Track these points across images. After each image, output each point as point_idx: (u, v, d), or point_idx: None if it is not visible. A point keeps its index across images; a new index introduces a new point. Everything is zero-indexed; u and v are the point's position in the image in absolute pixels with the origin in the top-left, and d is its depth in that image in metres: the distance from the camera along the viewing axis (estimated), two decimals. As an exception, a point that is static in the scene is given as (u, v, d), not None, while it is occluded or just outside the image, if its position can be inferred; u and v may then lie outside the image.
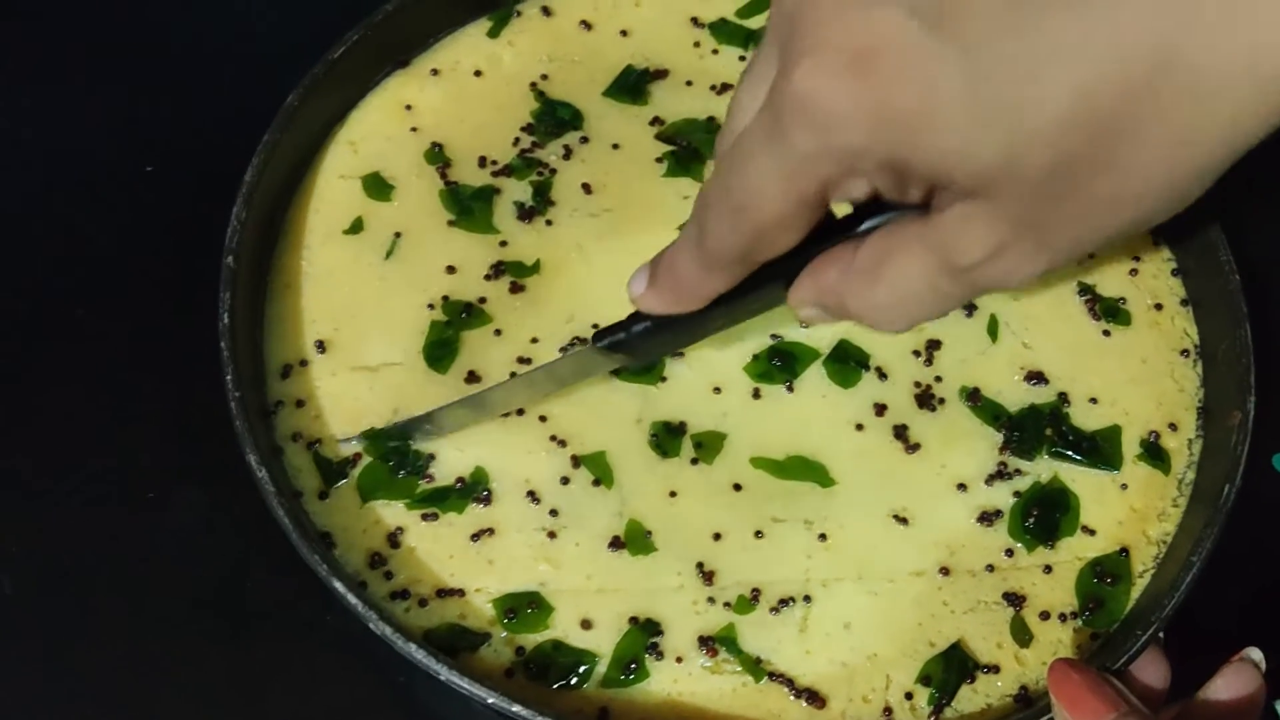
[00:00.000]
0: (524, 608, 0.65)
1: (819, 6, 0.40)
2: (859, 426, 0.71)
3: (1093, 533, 0.69)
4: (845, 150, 0.41)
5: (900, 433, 0.70)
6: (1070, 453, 0.70)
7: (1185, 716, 0.59)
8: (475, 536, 0.66)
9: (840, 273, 0.47)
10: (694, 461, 0.69)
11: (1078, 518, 0.69)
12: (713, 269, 0.48)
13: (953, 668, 0.65)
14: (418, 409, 0.69)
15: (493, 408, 0.69)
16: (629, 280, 0.54)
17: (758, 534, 0.67)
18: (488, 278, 0.74)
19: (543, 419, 0.70)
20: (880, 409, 0.71)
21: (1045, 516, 0.69)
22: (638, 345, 0.57)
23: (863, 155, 0.41)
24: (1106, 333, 0.74)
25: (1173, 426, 0.72)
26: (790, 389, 0.71)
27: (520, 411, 0.70)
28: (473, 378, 0.70)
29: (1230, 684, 0.60)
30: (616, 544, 0.66)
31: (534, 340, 0.72)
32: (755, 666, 0.64)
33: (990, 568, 0.67)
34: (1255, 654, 0.61)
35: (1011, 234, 0.42)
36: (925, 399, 0.71)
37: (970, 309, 0.74)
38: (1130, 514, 0.70)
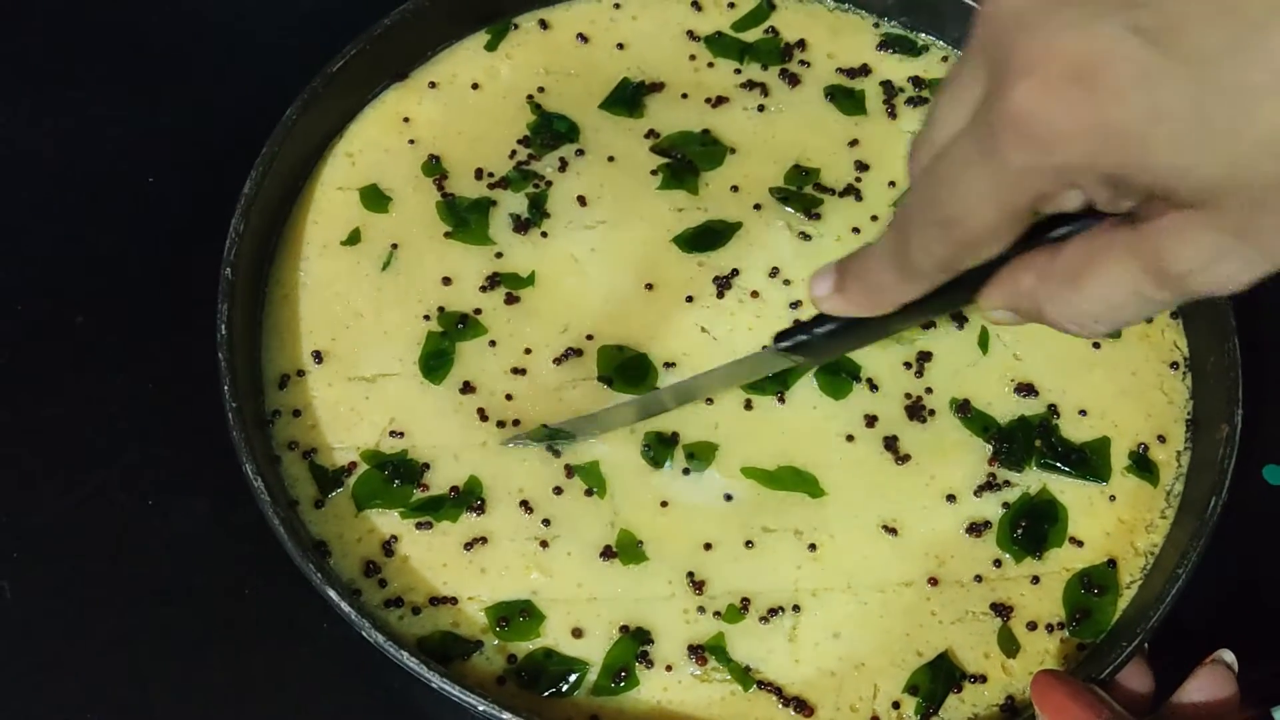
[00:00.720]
0: (516, 616, 0.65)
1: (1037, 25, 0.40)
2: (849, 438, 0.71)
3: (1081, 544, 0.69)
4: (1065, 166, 0.41)
5: (890, 444, 0.71)
6: (1059, 464, 0.71)
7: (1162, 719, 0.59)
8: (468, 545, 0.67)
9: (1038, 278, 0.48)
10: (685, 472, 0.70)
11: (1066, 529, 0.70)
12: (912, 278, 0.49)
13: (940, 677, 0.65)
14: (413, 419, 0.70)
15: (663, 406, 0.70)
16: (811, 280, 0.54)
17: (748, 544, 0.68)
18: (483, 289, 0.74)
19: (537, 426, 0.70)
20: (871, 420, 0.72)
21: (1034, 528, 0.69)
22: (819, 347, 0.58)
23: (1083, 171, 0.41)
24: (1097, 345, 0.75)
25: (1161, 439, 0.73)
26: (781, 400, 0.72)
27: (515, 421, 0.70)
28: (468, 388, 0.71)
29: (1204, 686, 0.60)
30: (608, 553, 0.67)
31: (528, 351, 0.73)
32: (744, 675, 0.65)
33: (978, 578, 0.68)
34: (1228, 655, 0.61)
35: (1231, 242, 0.42)
36: (916, 410, 0.72)
37: (961, 321, 0.75)
38: (1118, 525, 0.70)
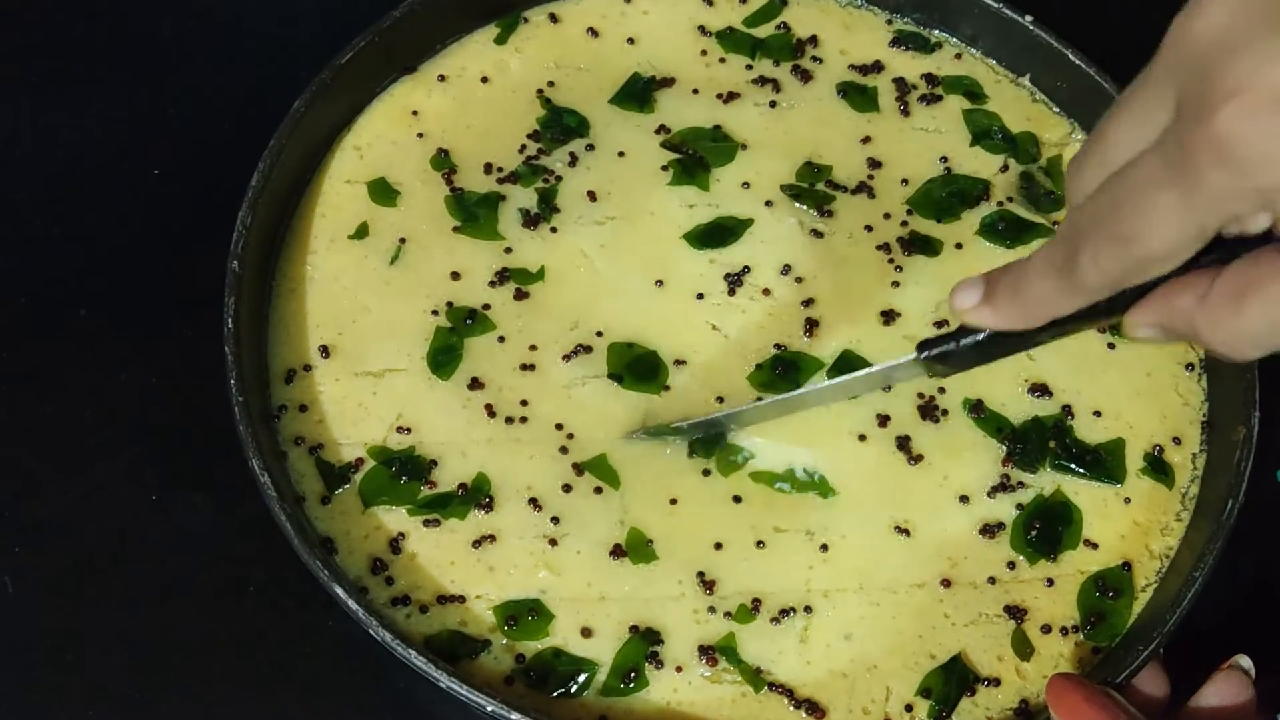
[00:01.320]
0: (524, 615, 0.65)
1: (1243, 49, 0.41)
2: (862, 437, 0.70)
3: (1095, 546, 0.69)
4: (1264, 189, 0.42)
5: (903, 444, 0.70)
6: (1073, 465, 0.70)
7: None
8: (477, 543, 0.66)
9: (1196, 299, 0.48)
10: (705, 473, 0.69)
11: (1080, 531, 0.69)
12: (1074, 291, 0.49)
13: (953, 680, 0.64)
14: (421, 415, 0.69)
15: (800, 407, 0.70)
16: (954, 293, 0.53)
17: (759, 544, 0.67)
18: (492, 284, 0.74)
19: (548, 424, 0.70)
20: (883, 420, 0.71)
21: (1047, 529, 0.68)
22: (961, 358, 0.57)
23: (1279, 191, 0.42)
24: (1111, 345, 0.74)
25: (1177, 440, 0.72)
26: (793, 399, 0.71)
27: (523, 418, 0.70)
28: (476, 384, 0.70)
29: (1220, 691, 0.60)
30: (618, 552, 0.66)
31: (533, 348, 0.72)
32: (755, 676, 0.64)
33: (992, 580, 0.67)
34: (1245, 661, 0.61)
35: None
36: (929, 411, 0.71)
37: (975, 320, 0.74)
38: (1133, 528, 0.69)
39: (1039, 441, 0.71)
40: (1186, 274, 0.48)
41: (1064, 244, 0.49)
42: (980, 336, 0.55)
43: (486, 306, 0.73)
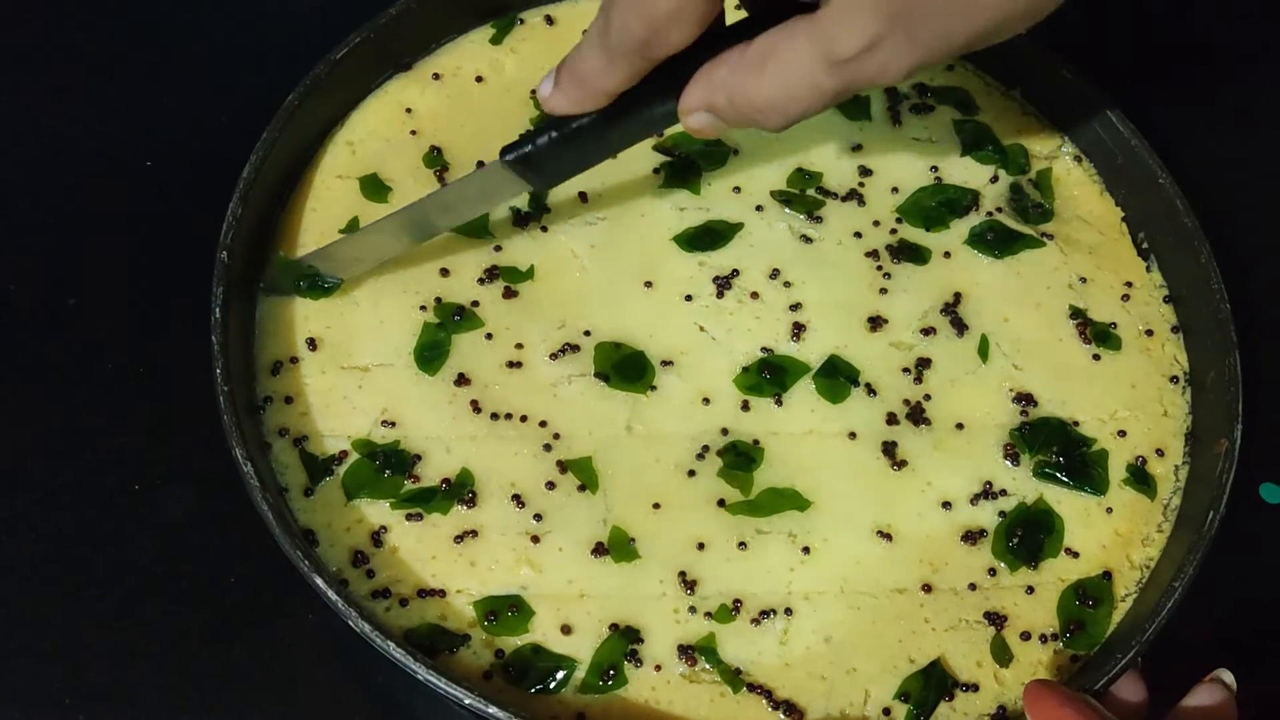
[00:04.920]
0: (505, 610, 0.65)
1: None
2: (846, 441, 0.71)
3: (1076, 555, 0.69)
4: None
5: (888, 449, 0.70)
6: (1057, 474, 0.70)
7: None
8: (459, 538, 0.66)
9: (729, 69, 0.54)
10: (690, 474, 0.69)
11: (1062, 540, 0.69)
12: (615, 61, 0.54)
13: (932, 685, 0.64)
14: (406, 410, 0.69)
15: (404, 231, 0.71)
16: (537, 86, 0.60)
17: (741, 545, 0.67)
18: (481, 281, 0.74)
19: (533, 422, 0.70)
20: (868, 425, 0.71)
21: (1029, 537, 0.69)
22: (545, 159, 0.61)
23: None
24: (1097, 357, 0.75)
25: (1160, 452, 0.72)
26: (779, 402, 0.71)
27: (509, 415, 0.70)
28: (462, 380, 0.70)
29: (1202, 703, 0.60)
30: (600, 550, 0.66)
31: (520, 346, 0.72)
32: (734, 677, 0.64)
33: (973, 586, 0.67)
34: (1226, 676, 0.61)
35: (886, 28, 0.49)
36: (914, 416, 0.72)
37: (961, 329, 0.74)
38: (1114, 538, 0.70)
39: (1046, 433, 0.71)
40: (724, 50, 0.54)
41: (602, 14, 0.54)
42: (555, 134, 0.59)
43: (475, 303, 0.73)
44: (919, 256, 0.77)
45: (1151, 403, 0.74)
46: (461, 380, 0.71)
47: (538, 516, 0.67)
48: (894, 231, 0.78)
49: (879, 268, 0.76)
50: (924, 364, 0.73)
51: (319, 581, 0.61)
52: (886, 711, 0.64)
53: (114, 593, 0.69)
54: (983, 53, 0.83)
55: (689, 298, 0.74)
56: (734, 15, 0.56)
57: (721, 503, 0.68)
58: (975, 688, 0.65)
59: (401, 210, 0.70)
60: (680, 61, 0.55)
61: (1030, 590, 0.68)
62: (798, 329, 0.74)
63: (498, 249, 0.75)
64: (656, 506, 0.68)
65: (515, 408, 0.70)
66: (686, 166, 0.79)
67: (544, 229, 0.76)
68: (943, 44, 0.51)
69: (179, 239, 0.76)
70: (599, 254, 0.75)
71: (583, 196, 0.77)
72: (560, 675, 0.63)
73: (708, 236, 0.76)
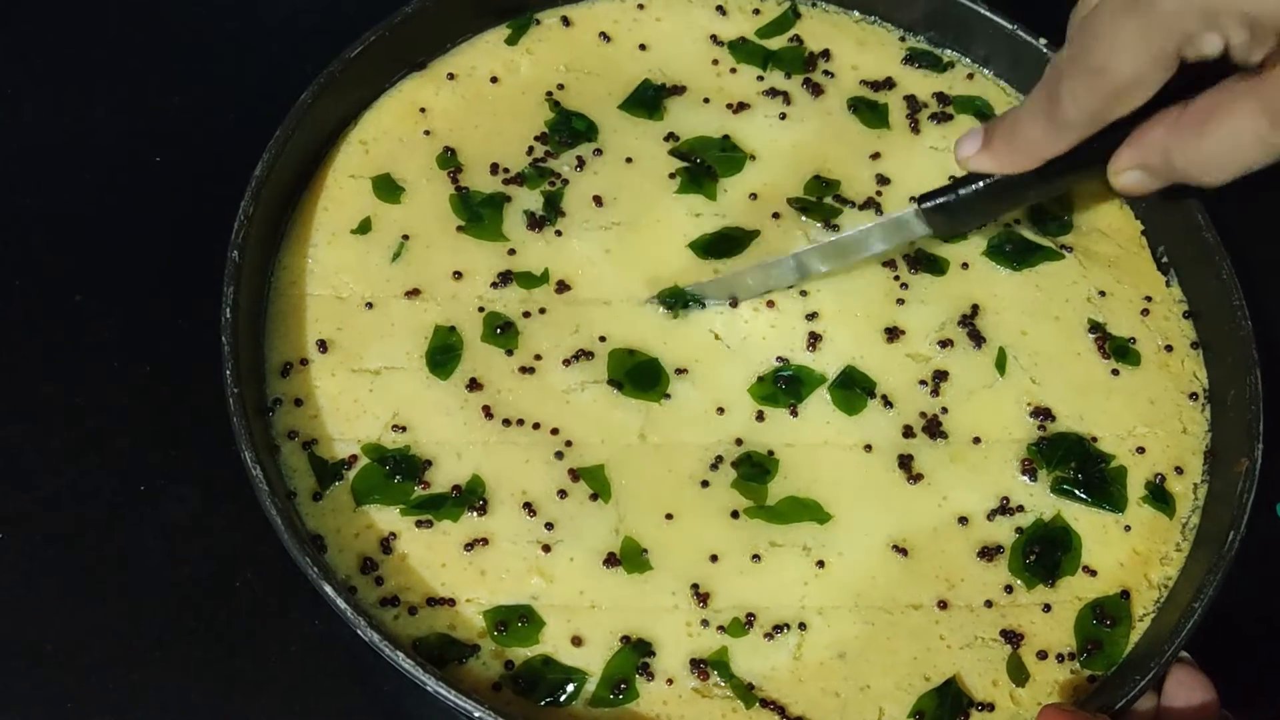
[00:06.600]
0: (515, 621, 0.64)
1: None
2: (862, 454, 0.70)
3: (1094, 573, 0.68)
4: (1206, 9, 0.49)
5: (904, 463, 0.70)
6: (1075, 491, 0.70)
7: None
8: (469, 546, 0.65)
9: (1166, 129, 0.55)
10: (704, 484, 0.68)
11: (1079, 557, 0.68)
12: (1060, 131, 0.56)
13: (947, 704, 0.64)
14: (417, 415, 0.68)
15: (800, 270, 0.72)
16: (957, 145, 0.61)
17: (755, 557, 0.66)
18: (494, 285, 0.73)
19: (545, 429, 0.69)
20: (885, 438, 0.70)
21: (1046, 554, 0.68)
22: (959, 209, 0.62)
23: (1223, 11, 0.48)
24: (1115, 372, 0.74)
25: (1179, 470, 0.71)
26: (794, 413, 0.71)
27: (520, 421, 0.69)
28: (474, 385, 0.69)
29: (1179, 690, 0.62)
30: (612, 560, 0.65)
31: (538, 357, 0.71)
32: (747, 692, 0.63)
33: (989, 603, 0.67)
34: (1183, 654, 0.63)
35: None
36: (930, 429, 0.71)
37: (979, 341, 0.73)
38: (1132, 556, 0.69)
39: (1064, 449, 0.70)
40: (1159, 111, 0.54)
41: (1047, 86, 0.55)
42: (979, 185, 0.60)
43: (480, 308, 0.72)
44: (936, 267, 0.76)
45: (1170, 419, 0.73)
46: (473, 385, 0.70)
47: (549, 525, 0.66)
48: (912, 242, 0.77)
49: (896, 278, 0.75)
50: (941, 376, 0.72)
51: (327, 588, 0.60)
52: (901, 729, 0.63)
53: (116, 597, 0.68)
54: (1003, 61, 0.83)
55: (704, 305, 0.73)
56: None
57: (735, 514, 0.67)
58: (991, 707, 0.64)
59: (800, 252, 0.72)
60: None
61: (1047, 608, 0.67)
62: (814, 339, 0.73)
63: (511, 253, 0.74)
64: (669, 517, 0.67)
65: (527, 414, 0.69)
66: (703, 172, 0.78)
67: (558, 233, 0.75)
68: None
69: (188, 237, 0.76)
70: (614, 259, 0.74)
71: (597, 200, 0.76)
72: (571, 688, 0.62)
73: (724, 243, 0.75)
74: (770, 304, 0.73)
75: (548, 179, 0.77)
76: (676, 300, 0.72)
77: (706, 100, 0.81)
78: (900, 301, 0.75)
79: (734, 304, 0.72)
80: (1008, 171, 0.59)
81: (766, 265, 0.72)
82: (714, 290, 0.72)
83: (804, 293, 0.74)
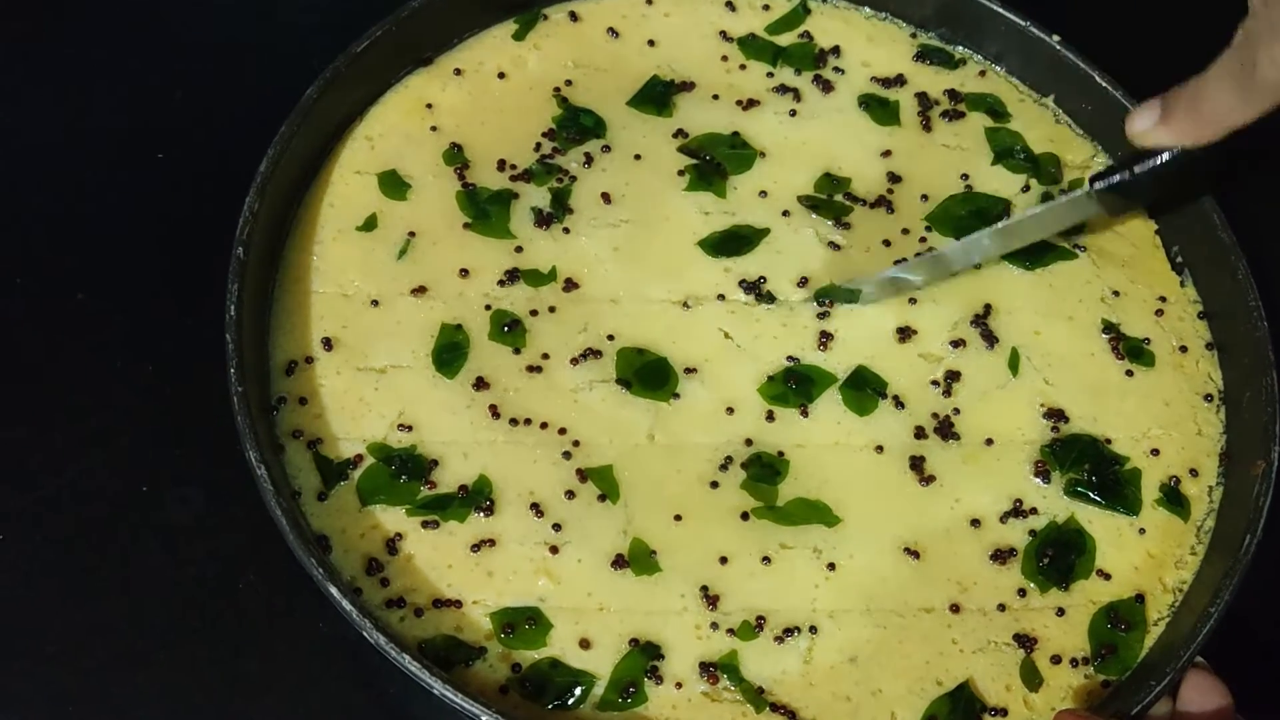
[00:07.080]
0: (522, 623, 0.63)
1: None
2: (873, 456, 0.69)
3: (1108, 577, 0.67)
4: None
5: (916, 464, 0.69)
6: (1089, 493, 0.69)
7: None
8: (475, 547, 0.65)
9: None
10: (714, 485, 0.67)
11: (1093, 560, 0.67)
12: (1252, 97, 0.55)
13: (959, 708, 0.63)
14: (423, 414, 0.68)
15: (954, 262, 0.72)
16: (1130, 118, 0.60)
17: (765, 560, 0.65)
18: (501, 283, 0.72)
19: (553, 428, 0.68)
20: (896, 439, 0.69)
21: (1060, 557, 0.67)
22: (1130, 187, 0.61)
23: None
24: (1129, 373, 0.73)
25: (1194, 472, 0.71)
26: (805, 413, 0.70)
27: (528, 421, 0.68)
28: (481, 384, 0.69)
29: (1195, 696, 0.60)
30: (620, 562, 0.65)
31: (546, 355, 0.70)
32: (757, 696, 0.62)
33: (1002, 607, 0.66)
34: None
35: None
36: (942, 431, 0.70)
37: (991, 341, 0.73)
38: (1147, 560, 0.68)
39: (1077, 451, 0.70)
40: None
41: (1240, 51, 0.54)
42: (1155, 162, 0.58)
43: (487, 306, 0.71)
44: (949, 266, 0.75)
45: (1185, 421, 0.72)
46: (480, 384, 0.69)
47: (557, 526, 0.65)
48: (923, 239, 0.76)
49: (908, 277, 0.74)
50: (953, 376, 0.72)
51: (333, 590, 0.59)
52: (913, 735, 0.62)
53: (118, 597, 0.68)
54: (1016, 58, 0.82)
55: (713, 303, 0.72)
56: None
57: (745, 515, 0.67)
58: (1004, 712, 0.63)
59: (969, 239, 0.72)
60: None
61: (1061, 612, 0.66)
62: (825, 338, 0.72)
63: (518, 250, 0.73)
64: (678, 518, 0.66)
65: (535, 413, 0.68)
66: (712, 169, 0.77)
67: (566, 230, 0.74)
68: None
69: (191, 235, 0.75)
70: (622, 257, 0.74)
71: (605, 197, 0.75)
72: (578, 691, 0.62)
73: (733, 241, 0.75)
74: (781, 302, 0.73)
75: (555, 176, 0.76)
76: (833, 297, 0.72)
77: (716, 97, 0.80)
78: (912, 300, 0.74)
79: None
80: (1190, 143, 0.57)
81: (936, 256, 0.72)
82: (880, 290, 0.73)
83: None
